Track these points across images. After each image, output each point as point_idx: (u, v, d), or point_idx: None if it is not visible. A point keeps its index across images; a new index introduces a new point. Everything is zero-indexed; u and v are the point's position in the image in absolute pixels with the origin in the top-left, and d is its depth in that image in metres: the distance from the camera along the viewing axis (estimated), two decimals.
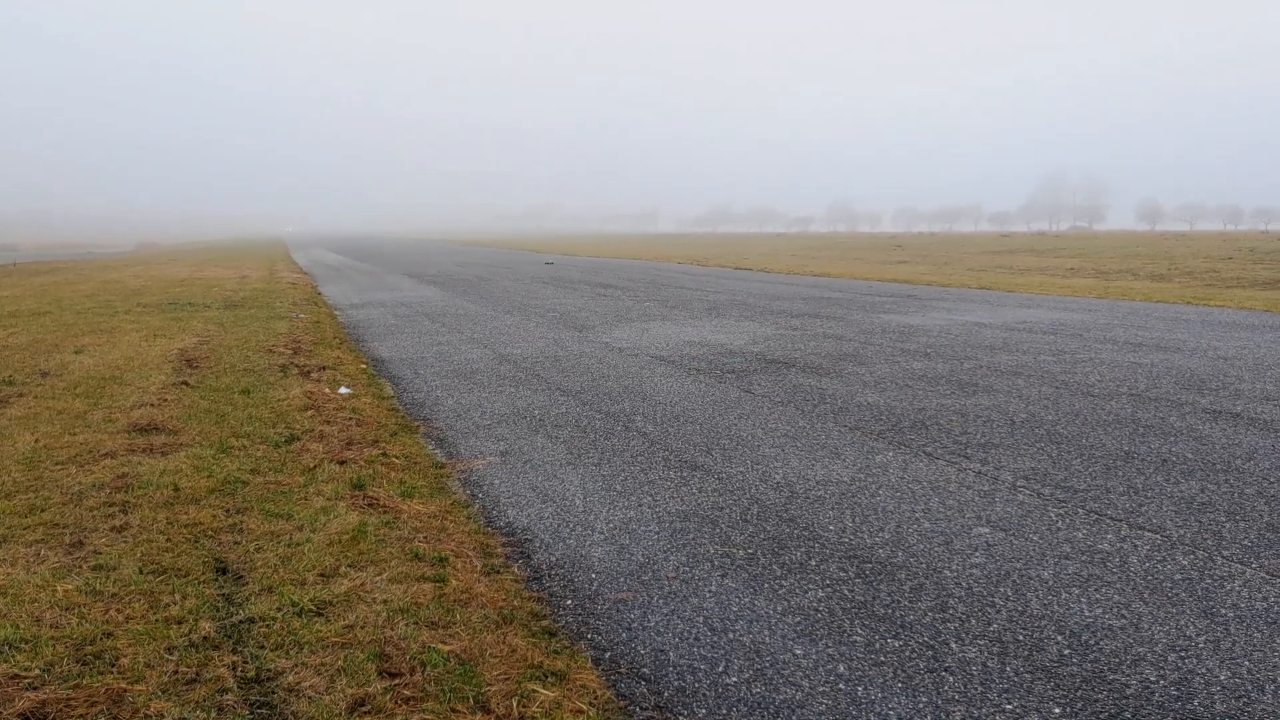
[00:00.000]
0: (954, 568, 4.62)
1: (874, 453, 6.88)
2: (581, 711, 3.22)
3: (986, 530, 5.16)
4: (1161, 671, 3.54)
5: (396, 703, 3.25)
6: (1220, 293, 23.38)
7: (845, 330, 14.73)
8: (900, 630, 3.92)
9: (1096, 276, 31.63)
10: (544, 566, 4.72)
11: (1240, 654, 3.67)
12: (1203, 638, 3.81)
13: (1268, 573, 4.50)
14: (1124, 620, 3.99)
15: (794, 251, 61.55)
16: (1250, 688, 3.40)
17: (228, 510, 5.31)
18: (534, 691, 3.33)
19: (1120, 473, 6.26)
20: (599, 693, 3.38)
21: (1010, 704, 3.31)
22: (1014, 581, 4.43)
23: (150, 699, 3.27)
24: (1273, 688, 3.40)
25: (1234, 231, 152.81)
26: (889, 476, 6.23)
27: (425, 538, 4.92)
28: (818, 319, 16.64)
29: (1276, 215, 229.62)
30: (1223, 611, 4.06)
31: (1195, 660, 3.63)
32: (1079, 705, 3.30)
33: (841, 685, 3.46)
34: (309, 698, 3.29)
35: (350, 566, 4.47)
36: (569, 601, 4.28)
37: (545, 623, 4.00)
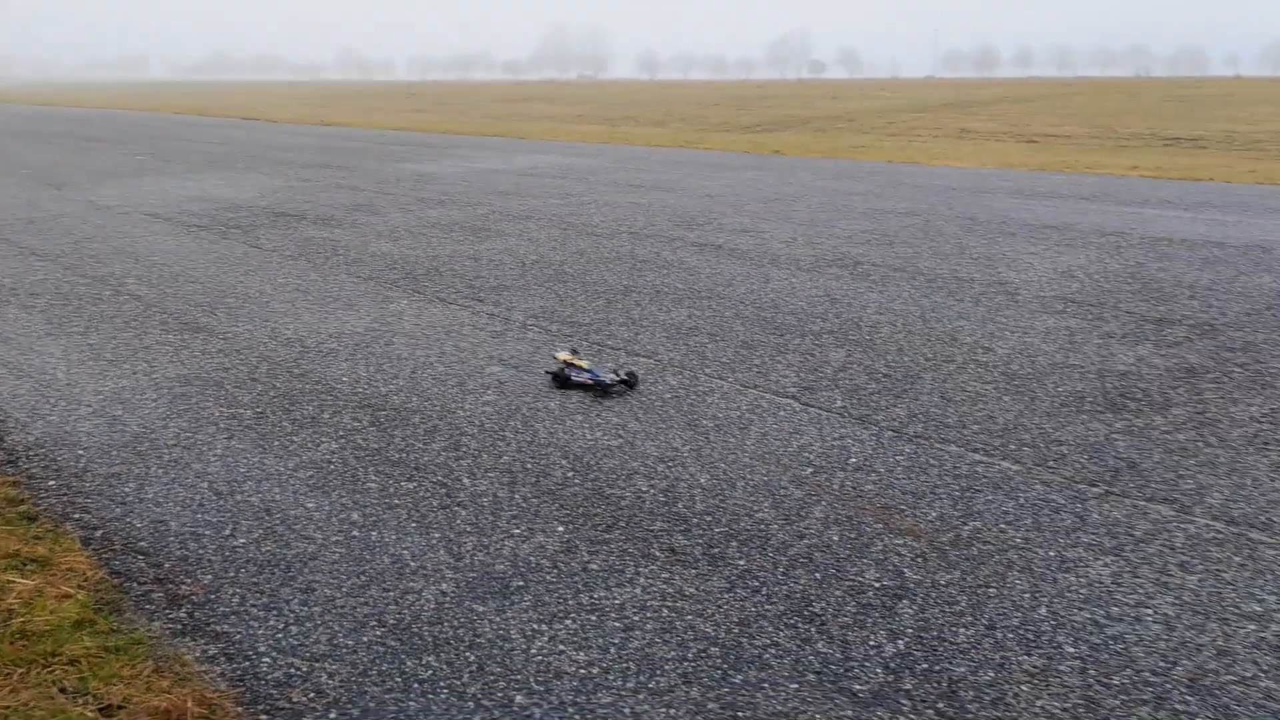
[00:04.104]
0: (467, 407, 4.72)
1: (389, 301, 6.82)
2: (69, 595, 2.96)
3: (499, 369, 5.32)
4: (652, 482, 3.86)
5: None
6: (709, 136, 25.40)
7: (359, 180, 14.38)
8: (414, 473, 3.96)
9: (603, 123, 33.15)
10: (20, 448, 4.24)
11: (717, 458, 4.09)
12: (687, 448, 4.20)
13: (741, 385, 5.03)
14: (621, 440, 4.30)
15: (306, 101, 58.80)
16: (725, 486, 3.81)
17: None
18: (10, 582, 3.01)
19: (620, 305, 6.68)
20: (89, 574, 3.12)
21: (518, 528, 3.47)
22: (523, 415, 4.62)
23: None
24: (742, 484, 3.82)
25: (720, 80, 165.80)
26: (404, 324, 6.22)
27: None
28: (330, 169, 16.09)
29: (756, 65, 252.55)
30: (704, 423, 4.49)
31: (681, 469, 3.99)
32: (580, 520, 3.52)
33: (355, 532, 3.45)
34: None
35: None
36: (51, 482, 3.89)
37: (23, 508, 3.60)
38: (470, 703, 2.51)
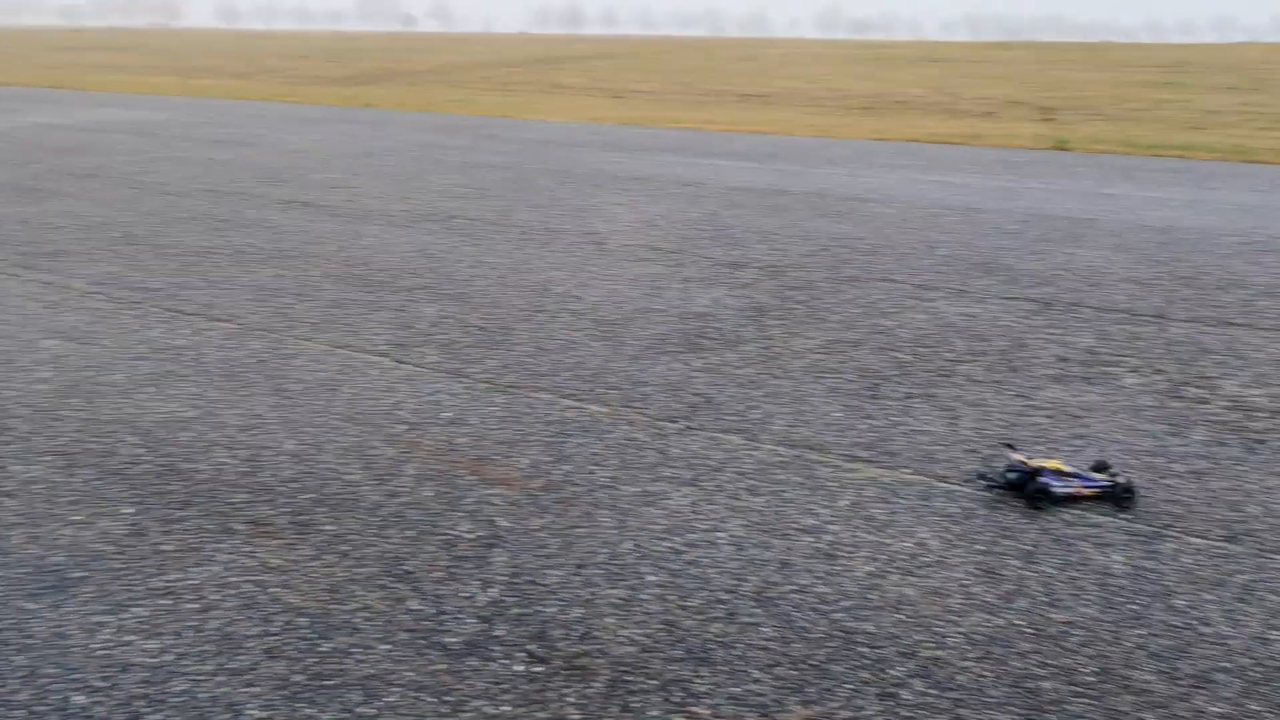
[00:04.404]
0: (16, 387, 4.23)
1: None
2: None
3: (55, 343, 4.81)
4: (234, 452, 3.64)
5: None
6: (298, 90, 24.33)
7: None
8: None
9: (179, 75, 30.87)
10: None
11: (305, 423, 3.91)
12: (272, 414, 3.99)
13: (330, 345, 4.85)
14: (198, 410, 4.01)
15: None
16: (313, 451, 3.65)
17: None
18: None
19: (197, 268, 6.24)
20: None
21: (78, 515, 3.15)
22: (85, 391, 4.20)
23: None
24: (332, 447, 3.69)
25: (308, 31, 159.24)
26: None
27: None
28: None
29: (345, 17, 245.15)
30: (290, 387, 4.29)
31: (266, 436, 3.79)
32: (150, 500, 3.25)
33: None
34: None
35: None
36: None
37: None
38: (20, 711, 2.25)
